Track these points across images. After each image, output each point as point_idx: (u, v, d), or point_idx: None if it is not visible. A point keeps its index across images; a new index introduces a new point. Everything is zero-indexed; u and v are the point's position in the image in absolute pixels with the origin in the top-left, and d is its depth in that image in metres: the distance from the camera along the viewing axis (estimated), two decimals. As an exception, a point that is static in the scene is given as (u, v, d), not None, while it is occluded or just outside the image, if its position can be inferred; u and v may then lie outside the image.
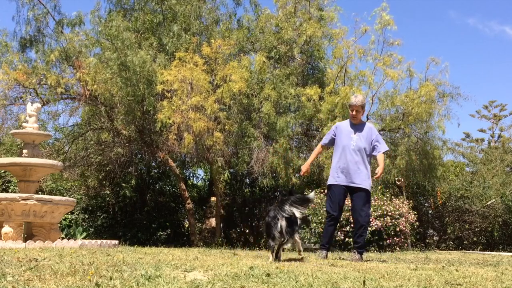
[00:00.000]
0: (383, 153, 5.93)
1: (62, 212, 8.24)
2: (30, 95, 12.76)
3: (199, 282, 2.86)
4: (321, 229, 10.80)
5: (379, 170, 5.80)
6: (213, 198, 15.45)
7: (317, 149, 6.18)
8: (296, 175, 6.01)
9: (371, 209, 10.39)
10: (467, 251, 12.81)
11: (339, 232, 10.40)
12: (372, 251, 10.18)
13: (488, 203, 16.87)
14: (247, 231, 18.36)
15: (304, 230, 12.56)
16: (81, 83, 12.39)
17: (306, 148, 14.07)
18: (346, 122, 5.99)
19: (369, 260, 5.86)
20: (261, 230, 18.15)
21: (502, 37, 59.75)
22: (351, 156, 5.73)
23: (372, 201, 10.98)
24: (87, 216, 16.38)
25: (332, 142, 5.96)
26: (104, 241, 7.68)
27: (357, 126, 5.87)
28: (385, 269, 4.13)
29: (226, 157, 12.60)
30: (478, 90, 62.98)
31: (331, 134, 5.96)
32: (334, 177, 5.79)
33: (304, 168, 5.95)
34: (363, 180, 5.72)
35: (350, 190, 5.79)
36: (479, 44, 60.03)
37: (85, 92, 12.58)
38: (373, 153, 5.88)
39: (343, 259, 5.89)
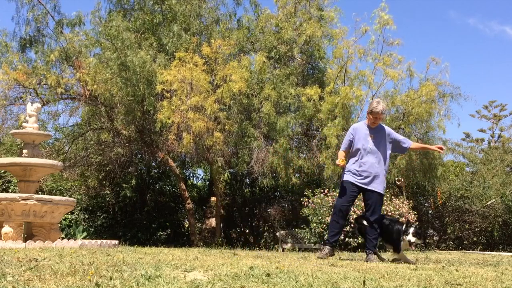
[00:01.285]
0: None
1: (62, 212, 8.24)
2: (30, 95, 12.76)
3: (199, 282, 2.86)
4: (321, 229, 10.80)
5: (433, 147, 6.17)
6: (213, 198, 15.45)
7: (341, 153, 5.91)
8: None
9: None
10: (467, 251, 12.81)
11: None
12: (372, 251, 10.17)
13: (488, 203, 16.87)
14: (247, 231, 18.37)
15: (304, 230, 12.57)
16: (81, 83, 12.40)
17: (306, 148, 14.07)
18: (363, 124, 5.94)
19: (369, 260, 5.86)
20: (261, 230, 18.18)
21: (502, 37, 59.77)
22: (370, 159, 5.72)
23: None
24: (87, 216, 16.38)
25: (350, 145, 5.90)
26: (104, 241, 7.68)
27: (375, 129, 5.83)
28: (385, 269, 4.13)
29: (226, 157, 12.61)
30: (478, 90, 62.97)
31: (349, 137, 5.89)
32: (352, 176, 5.78)
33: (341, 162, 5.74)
34: (379, 184, 5.71)
35: (365, 192, 5.75)
36: (479, 44, 60.05)
37: (85, 92, 12.58)
38: (405, 146, 5.96)
39: (343, 259, 5.89)
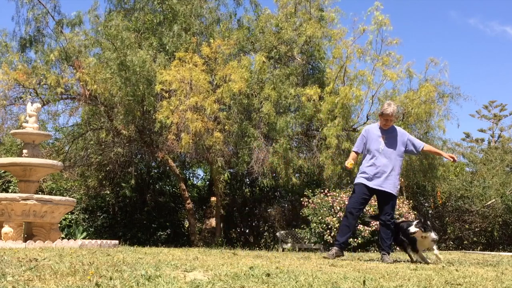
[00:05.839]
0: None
1: (62, 212, 8.24)
2: (30, 95, 12.76)
3: (199, 282, 2.86)
4: (321, 229, 10.80)
5: (446, 154, 5.99)
6: (213, 198, 15.45)
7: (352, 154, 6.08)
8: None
9: (371, 209, 10.40)
10: (467, 251, 12.80)
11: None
12: (372, 251, 10.18)
13: (488, 203, 16.88)
14: (247, 231, 18.38)
15: (304, 230, 12.58)
16: (81, 83, 12.39)
17: (306, 148, 14.07)
18: (375, 126, 6.04)
19: (369, 260, 5.87)
20: (261, 230, 18.18)
21: (503, 37, 59.76)
22: (382, 160, 5.80)
23: (372, 200, 10.95)
24: (87, 216, 16.38)
25: (362, 146, 5.99)
26: (104, 241, 7.68)
27: (387, 130, 5.92)
28: (385, 269, 4.13)
29: (226, 157, 12.60)
30: (478, 90, 62.94)
31: (362, 139, 5.99)
32: (363, 177, 5.85)
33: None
34: (390, 185, 5.75)
35: (377, 193, 5.81)
36: (479, 44, 60.02)
37: (85, 92, 12.57)
38: (417, 148, 5.95)
39: (343, 259, 5.89)
